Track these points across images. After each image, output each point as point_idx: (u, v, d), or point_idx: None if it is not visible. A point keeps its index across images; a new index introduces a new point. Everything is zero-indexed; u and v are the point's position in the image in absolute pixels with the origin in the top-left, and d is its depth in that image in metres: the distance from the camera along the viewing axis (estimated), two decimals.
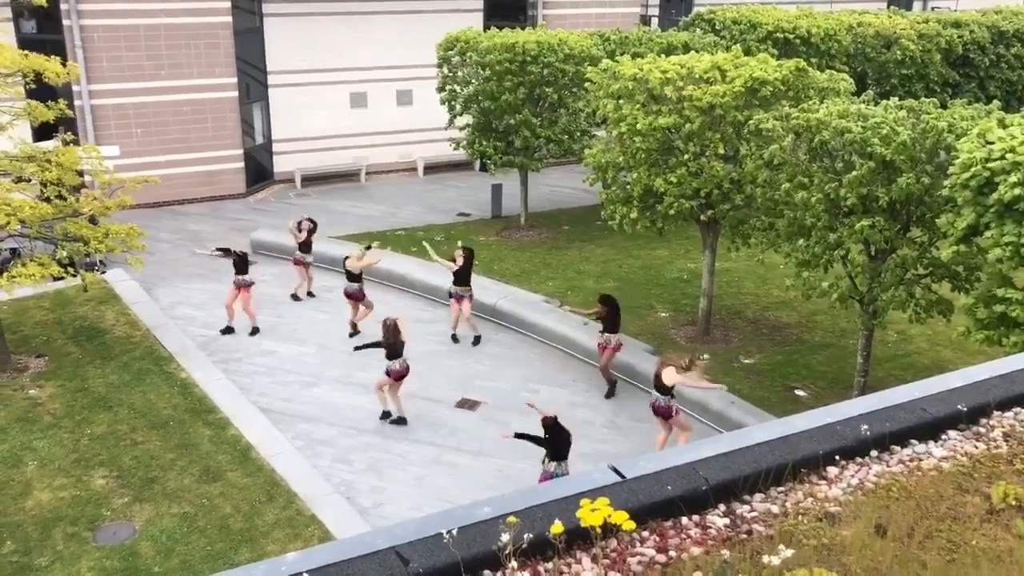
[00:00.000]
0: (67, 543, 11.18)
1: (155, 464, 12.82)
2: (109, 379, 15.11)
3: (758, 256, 15.61)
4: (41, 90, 16.25)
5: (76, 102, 22.29)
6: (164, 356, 15.91)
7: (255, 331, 16.98)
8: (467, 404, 14.89)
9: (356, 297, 16.89)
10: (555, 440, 11.42)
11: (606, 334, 14.91)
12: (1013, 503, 3.95)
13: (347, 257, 17.02)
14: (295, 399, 14.87)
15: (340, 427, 14.05)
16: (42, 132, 19.01)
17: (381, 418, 14.16)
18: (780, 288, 18.90)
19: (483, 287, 18.66)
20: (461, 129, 22.85)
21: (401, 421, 14.11)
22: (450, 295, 16.92)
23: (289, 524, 11.55)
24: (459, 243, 18.05)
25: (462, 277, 16.63)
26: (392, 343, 13.72)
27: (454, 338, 16.97)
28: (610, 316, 14.83)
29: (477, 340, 16.92)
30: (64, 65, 15.61)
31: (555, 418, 11.46)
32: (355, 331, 16.89)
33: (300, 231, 18.47)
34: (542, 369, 16.13)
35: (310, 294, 18.90)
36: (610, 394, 15.19)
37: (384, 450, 13.48)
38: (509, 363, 16.34)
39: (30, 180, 15.61)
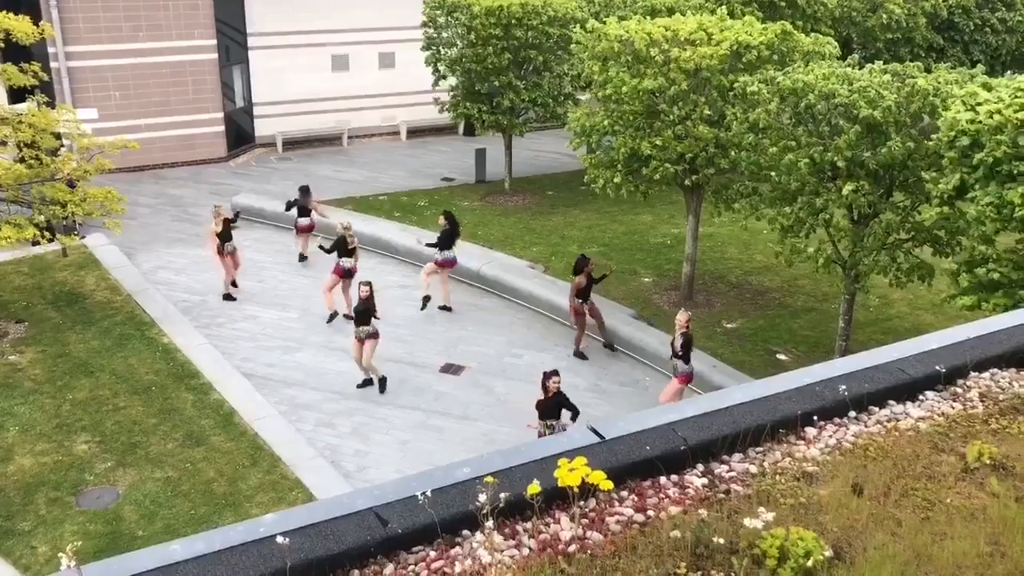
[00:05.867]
0: (50, 508, 11.17)
1: (138, 429, 12.79)
2: (90, 344, 15.02)
3: (741, 221, 15.62)
4: (16, 52, 15.95)
5: (52, 64, 21.89)
6: (146, 321, 15.81)
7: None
8: (451, 369, 14.90)
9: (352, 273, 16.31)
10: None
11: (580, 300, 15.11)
12: (987, 462, 3.99)
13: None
14: (278, 364, 14.83)
15: (324, 392, 14.05)
16: (17, 95, 18.69)
17: (360, 386, 14.20)
18: (763, 253, 18.96)
19: (467, 252, 18.61)
20: (450, 91, 22.67)
21: (378, 383, 14.16)
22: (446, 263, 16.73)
23: (273, 488, 11.57)
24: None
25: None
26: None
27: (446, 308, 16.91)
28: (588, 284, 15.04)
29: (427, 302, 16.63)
30: (37, 25, 15.30)
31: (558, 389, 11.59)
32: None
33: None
34: (526, 334, 16.15)
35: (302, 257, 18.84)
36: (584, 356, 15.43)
37: (368, 414, 13.50)
38: (493, 328, 16.35)
39: (5, 143, 15.36)
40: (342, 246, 16.00)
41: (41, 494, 11.41)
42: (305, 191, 18.64)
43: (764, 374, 13.50)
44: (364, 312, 13.72)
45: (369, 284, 13.88)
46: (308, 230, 18.65)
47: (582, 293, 15.02)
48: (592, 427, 4.02)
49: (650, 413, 4.25)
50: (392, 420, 13.38)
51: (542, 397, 11.61)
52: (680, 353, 12.93)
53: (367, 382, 14.10)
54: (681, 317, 13.01)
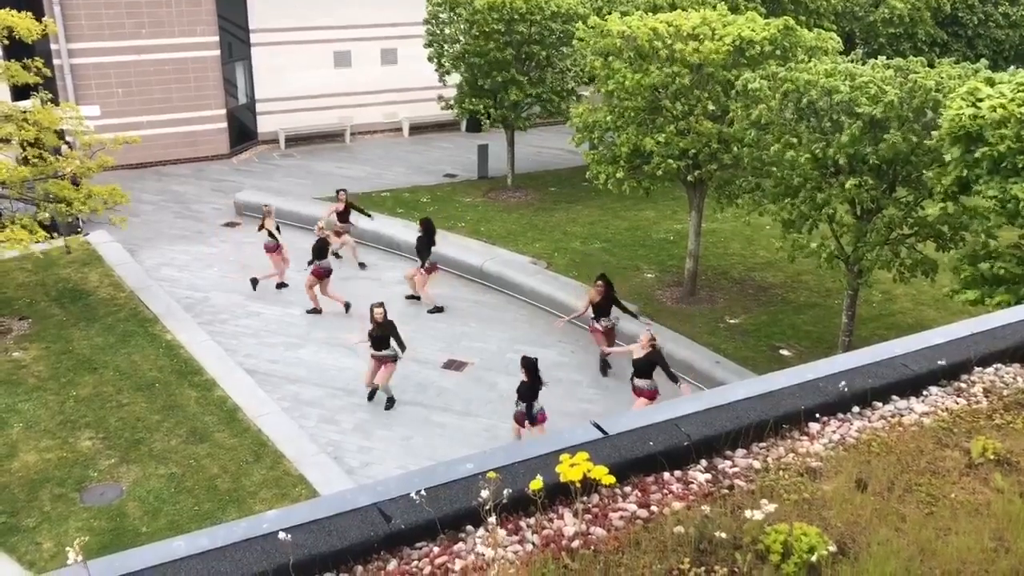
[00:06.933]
0: (54, 504, 11.19)
1: (141, 425, 12.81)
2: (94, 341, 15.04)
3: (744, 217, 15.59)
4: (19, 49, 15.95)
5: (55, 61, 21.89)
6: (149, 318, 15.83)
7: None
8: (454, 365, 14.91)
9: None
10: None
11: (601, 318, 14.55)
12: (991, 457, 3.99)
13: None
14: (281, 360, 14.84)
15: (327, 388, 14.06)
16: (20, 92, 18.70)
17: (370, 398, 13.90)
18: (766, 249, 18.94)
19: (469, 249, 18.64)
20: (458, 88, 22.65)
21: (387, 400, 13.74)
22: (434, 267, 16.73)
23: (276, 484, 11.58)
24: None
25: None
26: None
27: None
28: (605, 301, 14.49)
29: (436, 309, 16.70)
30: (39, 22, 15.30)
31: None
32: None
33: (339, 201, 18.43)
34: (528, 331, 16.15)
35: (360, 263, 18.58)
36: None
37: (371, 411, 13.51)
38: (496, 324, 16.34)
39: (9, 141, 15.38)
40: (324, 248, 15.99)
41: (45, 490, 11.43)
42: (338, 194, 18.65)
43: (767, 370, 13.49)
44: (381, 337, 13.17)
45: (382, 304, 13.38)
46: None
47: (598, 310, 14.45)
48: (595, 423, 4.01)
49: (653, 409, 4.25)
50: (394, 416, 13.39)
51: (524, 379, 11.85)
52: (636, 370, 12.51)
53: (375, 394, 13.79)
54: (643, 337, 12.55)
